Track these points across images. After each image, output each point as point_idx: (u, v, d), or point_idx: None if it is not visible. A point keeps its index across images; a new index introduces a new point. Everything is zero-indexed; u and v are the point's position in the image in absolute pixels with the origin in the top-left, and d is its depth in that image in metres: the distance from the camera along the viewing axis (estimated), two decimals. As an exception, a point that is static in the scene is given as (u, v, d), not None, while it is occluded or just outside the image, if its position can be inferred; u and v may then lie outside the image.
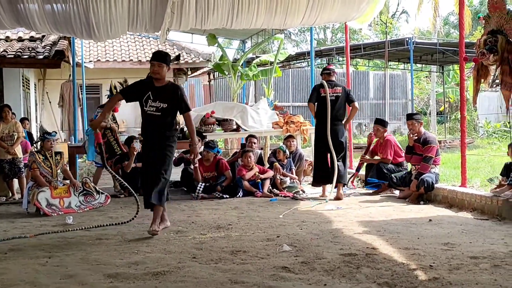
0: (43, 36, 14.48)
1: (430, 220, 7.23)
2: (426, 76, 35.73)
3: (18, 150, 10.79)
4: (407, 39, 21.53)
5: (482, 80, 7.31)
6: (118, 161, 10.56)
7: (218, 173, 10.37)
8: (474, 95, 7.67)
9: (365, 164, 10.74)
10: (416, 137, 9.31)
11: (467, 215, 7.62)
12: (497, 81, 7.29)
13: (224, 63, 17.22)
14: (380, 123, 10.53)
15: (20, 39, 14.79)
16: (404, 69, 30.55)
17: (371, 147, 10.67)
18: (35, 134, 15.63)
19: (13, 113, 11.43)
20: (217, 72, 21.58)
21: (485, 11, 7.36)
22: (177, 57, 18.65)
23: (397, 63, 27.96)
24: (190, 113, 6.95)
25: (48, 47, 13.64)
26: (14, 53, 12.94)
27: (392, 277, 4.57)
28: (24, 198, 9.09)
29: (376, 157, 10.46)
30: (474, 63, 7.36)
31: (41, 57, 12.99)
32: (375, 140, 10.64)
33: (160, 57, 6.69)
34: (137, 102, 6.81)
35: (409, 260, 5.11)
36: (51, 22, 10.12)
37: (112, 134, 10.83)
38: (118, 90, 10.81)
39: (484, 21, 7.30)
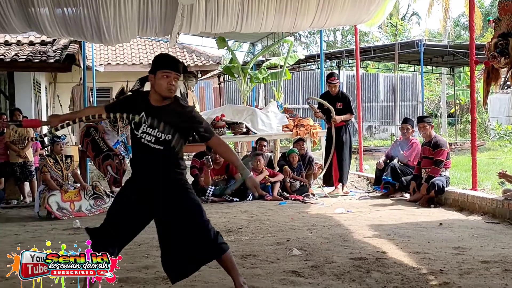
0: (54, 40, 14.53)
1: (440, 223, 7.19)
2: (437, 78, 35.62)
3: (29, 153, 10.88)
4: (417, 41, 21.47)
5: (493, 82, 7.27)
6: (105, 158, 10.54)
7: (228, 176, 10.38)
8: (484, 97, 7.65)
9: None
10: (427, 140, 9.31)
11: (478, 218, 7.58)
12: (508, 83, 7.26)
13: (234, 66, 17.26)
14: (410, 122, 10.31)
15: (31, 43, 14.85)
16: (414, 71, 30.47)
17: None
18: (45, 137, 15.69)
19: (24, 117, 11.53)
20: (227, 75, 21.62)
21: (496, 13, 7.28)
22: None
23: (407, 65, 27.88)
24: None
25: (59, 51, 13.69)
26: (25, 57, 13.00)
27: (402, 282, 4.55)
28: (35, 202, 9.14)
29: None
30: (484, 66, 7.33)
31: (52, 61, 13.04)
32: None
33: (179, 67, 4.30)
34: None
35: (419, 264, 5.08)
36: (61, 26, 10.18)
37: (97, 133, 10.75)
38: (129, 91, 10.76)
39: (494, 24, 7.26)
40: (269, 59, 19.20)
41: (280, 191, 10.22)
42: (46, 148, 12.33)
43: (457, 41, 35.14)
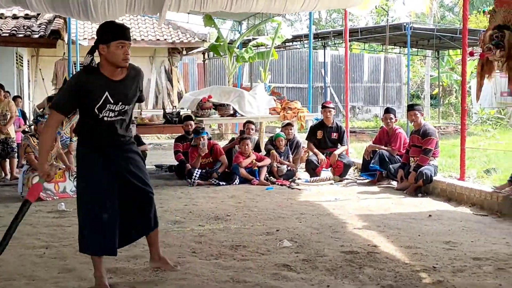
0: (38, 14, 14.28)
1: (430, 215, 7.14)
2: (420, 60, 35.65)
3: (11, 130, 10.70)
4: (405, 24, 21.39)
5: (486, 75, 7.23)
6: None
7: (214, 159, 10.28)
8: (478, 90, 7.58)
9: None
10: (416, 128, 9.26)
11: (466, 210, 7.54)
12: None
13: (220, 45, 17.09)
14: (392, 112, 10.24)
15: (14, 17, 14.59)
16: (400, 53, 30.43)
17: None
18: (28, 113, 15.48)
19: (7, 92, 11.34)
20: (212, 52, 21.47)
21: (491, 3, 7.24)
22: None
23: (393, 46, 27.85)
24: None
25: (44, 26, 13.47)
26: (9, 31, 12.75)
27: (396, 279, 4.51)
28: (19, 182, 8.96)
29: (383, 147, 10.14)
30: (479, 58, 7.27)
31: (36, 36, 12.82)
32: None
33: (130, 35, 4.31)
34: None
35: (411, 260, 5.04)
36: (47, 2, 9.87)
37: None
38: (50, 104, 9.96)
39: (489, 15, 7.20)
40: (256, 38, 19.03)
41: (267, 175, 10.14)
42: (28, 127, 12.14)
43: (442, 22, 35.14)
